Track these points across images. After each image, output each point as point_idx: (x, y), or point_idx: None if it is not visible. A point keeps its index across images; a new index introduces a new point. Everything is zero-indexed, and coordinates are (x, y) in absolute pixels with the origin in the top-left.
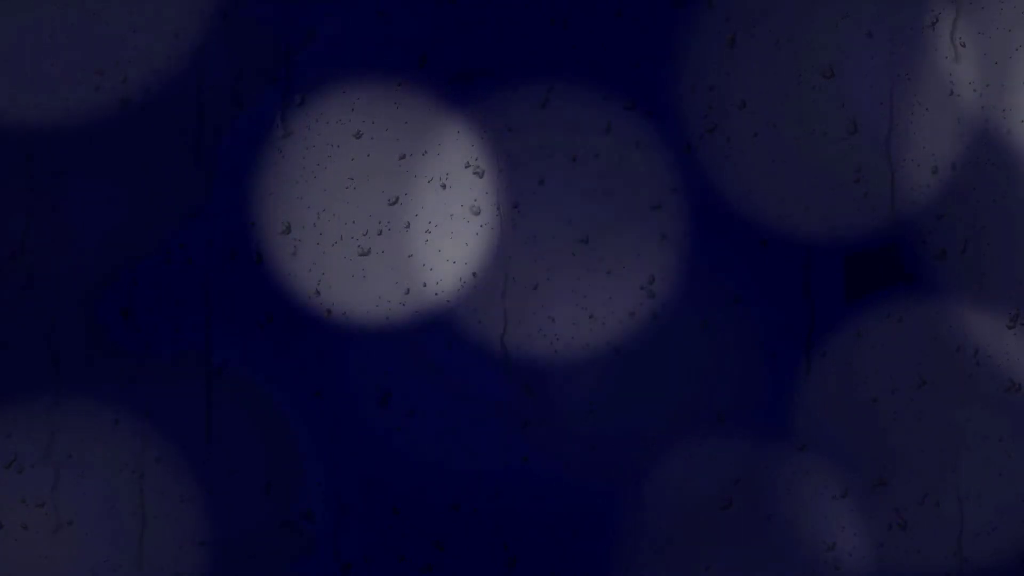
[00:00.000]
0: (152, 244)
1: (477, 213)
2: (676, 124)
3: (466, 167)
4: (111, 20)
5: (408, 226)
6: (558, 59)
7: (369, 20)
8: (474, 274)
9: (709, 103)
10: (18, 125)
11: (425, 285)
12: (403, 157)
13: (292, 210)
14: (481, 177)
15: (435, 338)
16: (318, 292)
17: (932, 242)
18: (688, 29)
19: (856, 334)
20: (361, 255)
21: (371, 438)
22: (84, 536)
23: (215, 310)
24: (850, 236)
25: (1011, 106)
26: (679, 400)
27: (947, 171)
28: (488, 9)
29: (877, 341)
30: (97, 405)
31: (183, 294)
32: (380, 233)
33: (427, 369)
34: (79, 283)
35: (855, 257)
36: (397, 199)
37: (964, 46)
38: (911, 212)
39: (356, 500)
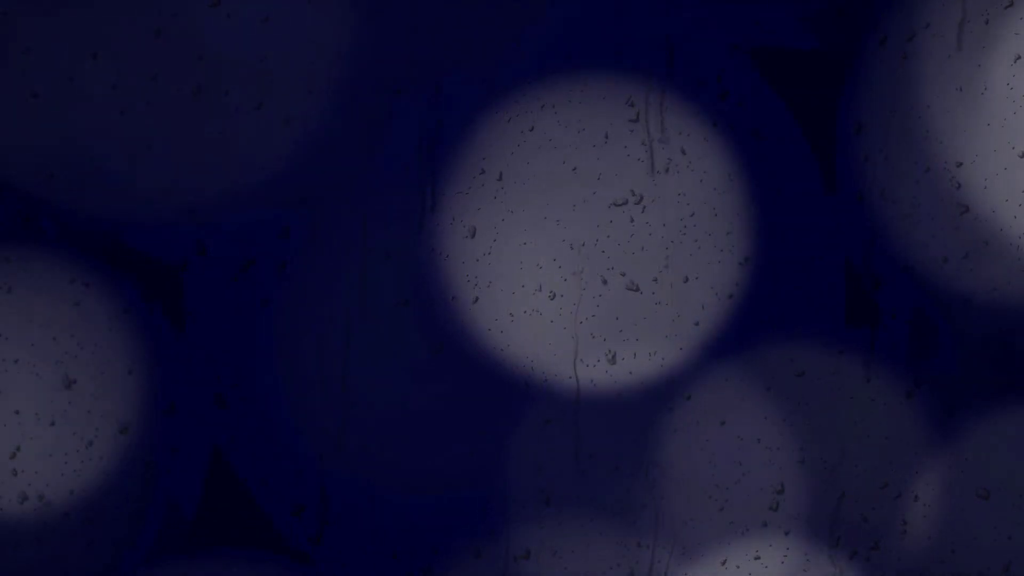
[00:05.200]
0: None
1: (472, 235)
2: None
3: (480, 172)
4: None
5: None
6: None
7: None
8: (476, 299)
9: None
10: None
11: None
12: (408, 164)
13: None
14: (498, 182)
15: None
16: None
17: None
18: None
19: None
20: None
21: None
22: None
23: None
24: None
25: None
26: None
27: None
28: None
29: None
30: None
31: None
32: (388, 256)
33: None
34: None
35: None
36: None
37: None
38: None
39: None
